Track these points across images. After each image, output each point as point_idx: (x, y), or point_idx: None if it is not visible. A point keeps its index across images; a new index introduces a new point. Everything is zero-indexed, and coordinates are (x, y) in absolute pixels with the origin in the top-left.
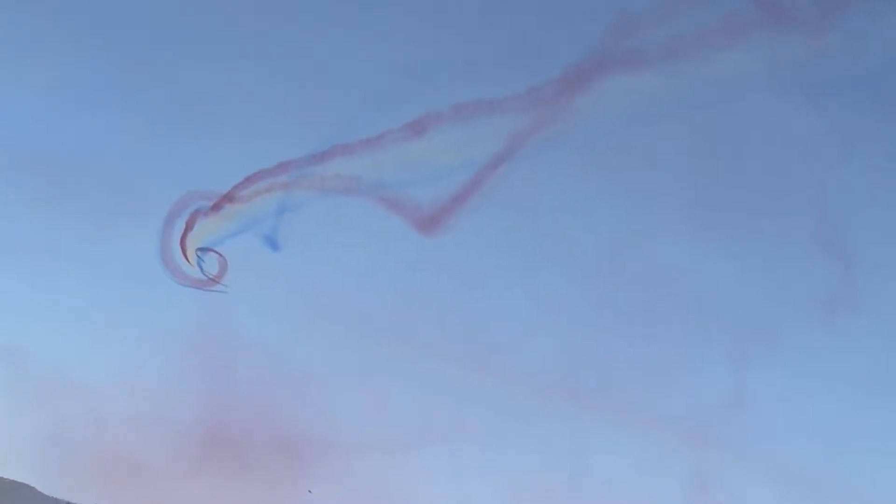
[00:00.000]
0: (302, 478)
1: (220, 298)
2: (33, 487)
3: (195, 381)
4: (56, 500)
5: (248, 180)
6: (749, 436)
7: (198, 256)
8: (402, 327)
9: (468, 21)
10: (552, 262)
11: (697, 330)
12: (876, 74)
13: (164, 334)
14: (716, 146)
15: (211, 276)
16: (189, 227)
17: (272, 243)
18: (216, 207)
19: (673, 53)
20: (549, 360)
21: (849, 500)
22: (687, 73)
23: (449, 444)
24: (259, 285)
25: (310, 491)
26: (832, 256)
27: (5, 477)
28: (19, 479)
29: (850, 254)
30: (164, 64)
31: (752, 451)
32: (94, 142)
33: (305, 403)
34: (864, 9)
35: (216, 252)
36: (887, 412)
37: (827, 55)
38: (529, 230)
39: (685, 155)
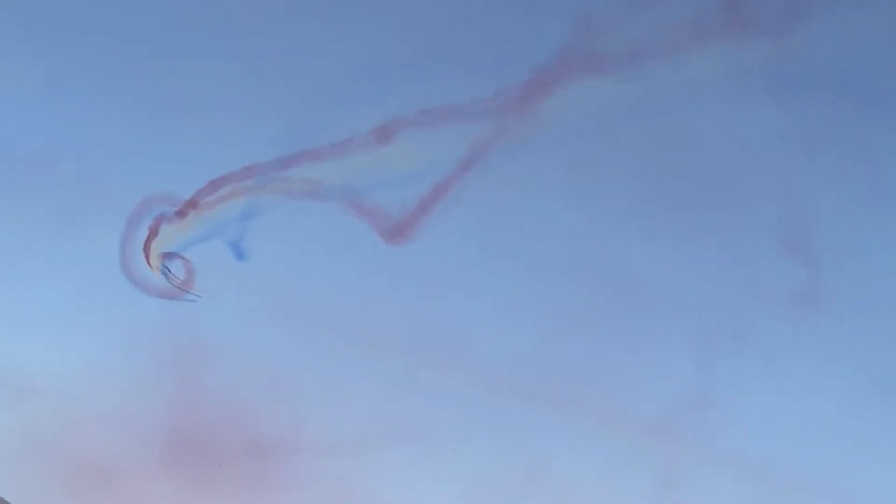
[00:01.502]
0: (271, 480)
1: (187, 302)
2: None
3: (163, 384)
4: None
5: (213, 185)
6: (716, 433)
7: (163, 264)
8: (368, 330)
9: (433, 24)
10: (518, 265)
11: (663, 328)
12: (840, 75)
13: (132, 337)
14: (682, 147)
15: (177, 284)
16: (153, 233)
17: (238, 252)
18: (181, 213)
19: (638, 56)
20: (515, 360)
21: (817, 496)
22: (652, 75)
23: (416, 445)
24: (226, 289)
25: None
26: (798, 254)
27: None
28: None
29: (815, 251)
30: (128, 65)
31: (719, 449)
32: (56, 141)
33: (273, 406)
34: (829, 11)
35: (182, 257)
36: (854, 408)
37: (792, 56)
38: (495, 233)
39: (651, 157)
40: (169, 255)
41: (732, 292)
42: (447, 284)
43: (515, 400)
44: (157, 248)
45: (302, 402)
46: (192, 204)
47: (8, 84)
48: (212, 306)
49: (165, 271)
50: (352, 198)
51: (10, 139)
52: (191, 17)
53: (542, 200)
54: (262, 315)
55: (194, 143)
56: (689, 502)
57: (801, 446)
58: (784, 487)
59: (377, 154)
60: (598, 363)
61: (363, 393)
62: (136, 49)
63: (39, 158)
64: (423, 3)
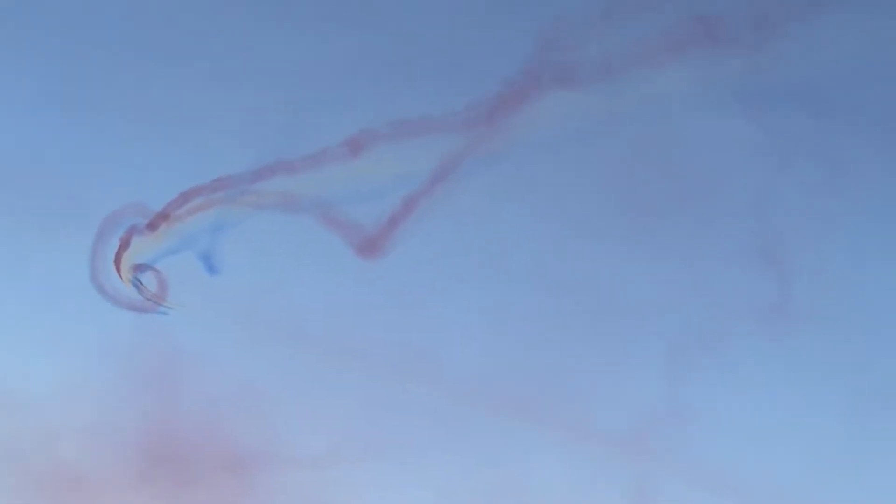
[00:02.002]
0: (245, 493)
1: (159, 315)
2: None
3: (136, 397)
4: None
5: (184, 197)
6: (687, 445)
7: (134, 276)
8: (341, 343)
9: (405, 36)
10: (489, 277)
11: (636, 340)
12: (812, 88)
13: (104, 349)
14: (654, 160)
15: (149, 297)
16: (124, 244)
17: (209, 265)
18: (152, 226)
19: (609, 69)
20: (487, 373)
21: None
22: (624, 88)
23: (390, 458)
24: (198, 301)
25: None
26: (769, 266)
27: None
28: None
29: (787, 263)
30: (97, 74)
31: (691, 461)
32: (24, 151)
33: (247, 419)
34: (801, 24)
35: (154, 269)
36: (825, 420)
37: (764, 70)
38: (466, 246)
39: (623, 170)
40: (140, 267)
41: (704, 304)
42: (420, 297)
43: (488, 412)
44: (128, 260)
45: (276, 414)
46: (163, 216)
47: None
48: (184, 319)
49: (137, 283)
50: (324, 210)
51: None
52: (160, 27)
53: (513, 213)
54: (234, 327)
55: (164, 155)
56: None
57: (772, 459)
58: (754, 500)
59: (349, 166)
60: (571, 375)
61: (337, 405)
62: (106, 58)
63: (6, 168)
64: (395, 15)
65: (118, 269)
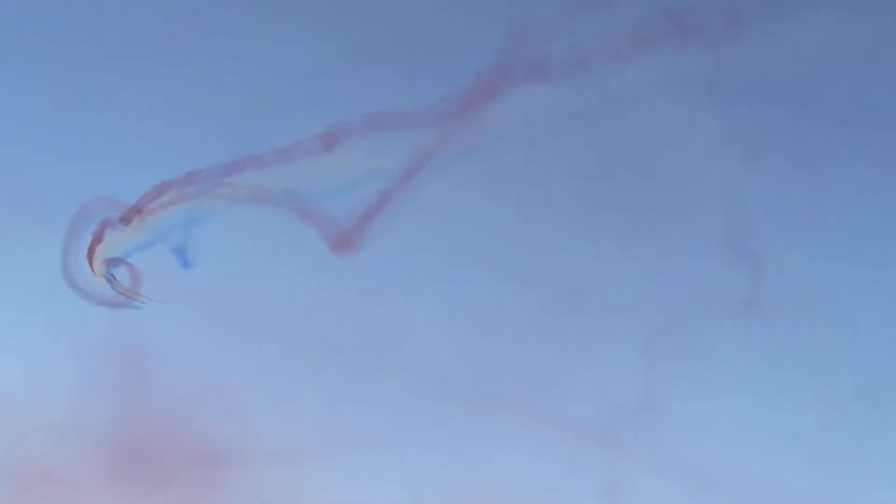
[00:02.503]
0: (218, 488)
1: (132, 310)
2: None
3: (108, 391)
4: None
5: (157, 190)
6: (660, 439)
7: (108, 270)
8: (314, 338)
9: (377, 29)
10: (460, 271)
11: (607, 334)
12: (783, 82)
13: (76, 343)
14: (625, 154)
15: (123, 291)
16: (97, 238)
17: (183, 259)
18: (125, 220)
19: (580, 63)
20: (459, 367)
21: (761, 498)
22: (595, 83)
23: (361, 452)
24: (171, 296)
25: None
26: (741, 259)
27: None
28: None
29: (758, 256)
30: (69, 65)
31: (664, 454)
32: None
33: (220, 414)
34: (771, 18)
35: (128, 263)
36: (798, 413)
37: (734, 63)
38: (437, 240)
39: (594, 164)
40: (114, 262)
41: (675, 298)
42: (391, 291)
43: (460, 407)
44: (101, 254)
45: (247, 409)
46: (136, 210)
47: None
48: (155, 313)
49: (110, 278)
50: (297, 204)
51: None
52: (132, 17)
53: (485, 208)
54: (206, 322)
55: (136, 148)
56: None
57: (745, 452)
58: (729, 493)
59: (322, 160)
60: (543, 369)
61: (308, 400)
62: (76, 53)
63: None
64: (368, 9)
65: (91, 264)
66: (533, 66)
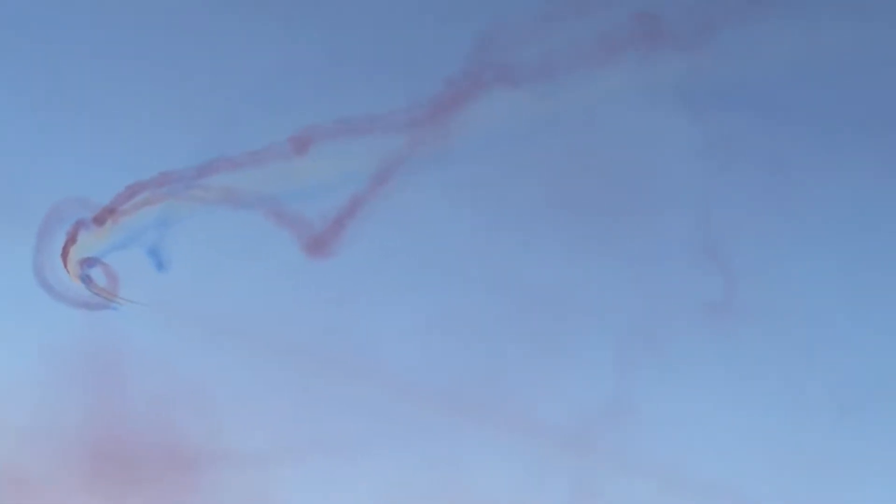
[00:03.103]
0: (190, 490)
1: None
2: None
3: (79, 393)
4: None
5: (130, 190)
6: (631, 442)
7: (83, 271)
8: (284, 339)
9: (349, 33)
10: (432, 274)
11: (578, 338)
12: (754, 87)
13: (48, 344)
14: (596, 159)
15: (99, 292)
16: (71, 238)
17: (157, 261)
18: (98, 220)
19: (550, 69)
20: (431, 371)
21: (733, 500)
22: (565, 88)
23: (332, 455)
24: (144, 297)
25: None
26: (713, 263)
27: None
28: None
29: (730, 260)
30: (40, 63)
31: (636, 457)
32: None
33: (192, 416)
34: (741, 24)
35: (103, 263)
36: (769, 416)
37: (704, 69)
38: (410, 243)
39: (565, 168)
40: (89, 262)
41: (647, 302)
42: (362, 294)
43: (431, 410)
44: (75, 254)
45: (220, 411)
46: (109, 210)
47: None
48: (128, 315)
49: (86, 278)
50: (270, 206)
51: None
52: (108, 16)
53: (455, 211)
54: (178, 323)
55: (107, 147)
56: None
57: (717, 455)
58: (699, 495)
59: (295, 163)
60: (513, 373)
61: (280, 402)
62: (51, 48)
63: None
64: (340, 13)
65: (65, 264)
66: (504, 71)
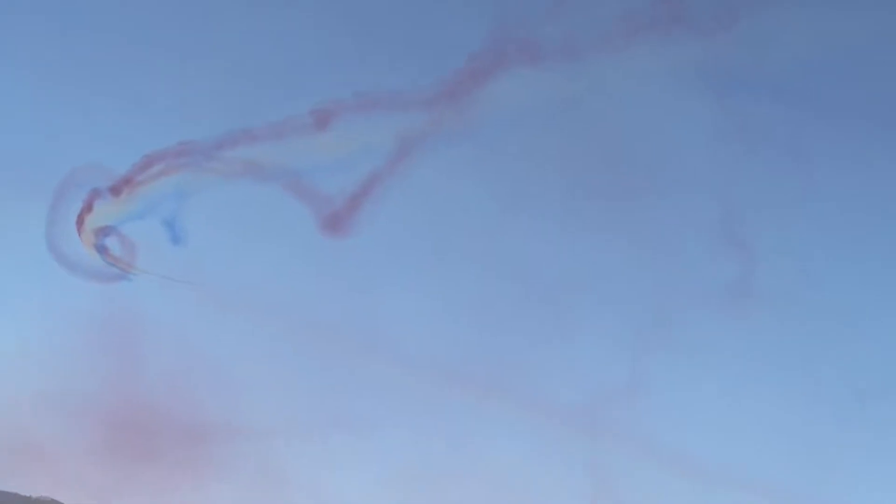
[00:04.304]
0: (205, 462)
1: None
2: None
3: (101, 364)
4: None
5: (148, 159)
6: (645, 423)
7: (99, 241)
8: (304, 316)
9: (373, 9)
10: (450, 255)
11: (594, 319)
12: (776, 73)
13: (65, 317)
14: (618, 141)
15: (115, 262)
16: (87, 208)
17: (174, 235)
18: (115, 190)
19: (573, 49)
20: (448, 350)
21: (743, 486)
22: (586, 69)
23: (349, 432)
24: (161, 269)
25: None
26: (731, 247)
27: None
28: None
29: (748, 245)
30: (56, 33)
31: (648, 439)
32: None
33: (208, 389)
34: (765, 10)
35: (120, 233)
36: (784, 399)
37: (728, 54)
38: (428, 223)
39: (584, 150)
40: (105, 231)
41: (666, 285)
42: (380, 274)
43: (447, 388)
44: (91, 223)
45: (236, 385)
46: (126, 180)
47: None
48: (144, 287)
49: (102, 248)
50: (289, 180)
51: None
52: None
53: (473, 191)
54: (196, 297)
55: (125, 116)
56: (614, 488)
57: (730, 437)
58: (712, 477)
59: (315, 137)
60: (531, 353)
61: (296, 378)
62: (68, 18)
63: None
64: None
65: (80, 233)
66: (526, 51)
